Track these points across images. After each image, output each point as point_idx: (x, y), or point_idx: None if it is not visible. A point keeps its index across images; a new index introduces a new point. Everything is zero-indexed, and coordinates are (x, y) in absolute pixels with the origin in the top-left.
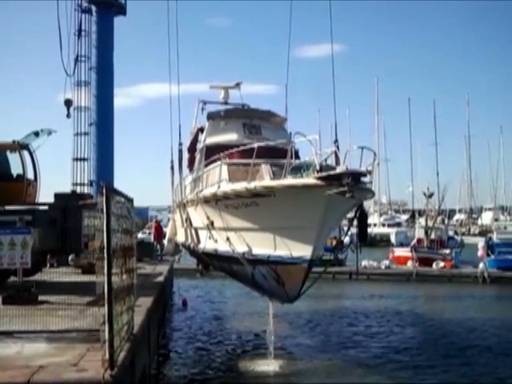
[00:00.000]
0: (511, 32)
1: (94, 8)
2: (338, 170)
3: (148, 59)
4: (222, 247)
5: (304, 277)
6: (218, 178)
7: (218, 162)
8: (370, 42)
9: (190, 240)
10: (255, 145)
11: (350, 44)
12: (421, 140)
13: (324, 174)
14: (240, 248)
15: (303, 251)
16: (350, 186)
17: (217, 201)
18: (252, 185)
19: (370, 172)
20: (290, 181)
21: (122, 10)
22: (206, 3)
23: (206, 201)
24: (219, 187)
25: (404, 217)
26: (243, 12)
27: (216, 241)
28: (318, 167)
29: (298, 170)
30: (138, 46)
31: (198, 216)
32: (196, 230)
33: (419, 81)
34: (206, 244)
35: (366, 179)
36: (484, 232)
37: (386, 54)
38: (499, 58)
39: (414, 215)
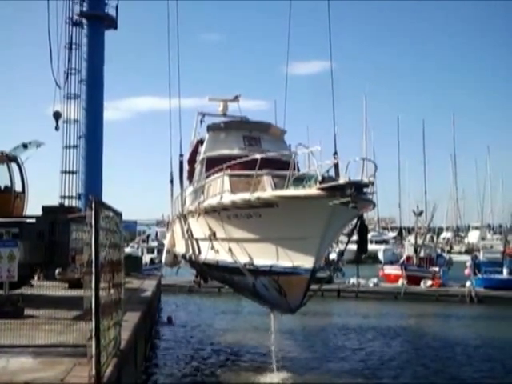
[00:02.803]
0: (499, 51)
1: (84, 21)
2: (341, 180)
3: (139, 73)
4: (224, 258)
5: (306, 287)
6: (220, 190)
7: (220, 174)
8: (359, 58)
9: (190, 251)
10: (257, 156)
11: (339, 61)
12: (409, 157)
13: (327, 184)
14: (242, 258)
15: (305, 261)
16: (353, 197)
17: (219, 211)
18: (255, 195)
19: (372, 183)
20: (293, 191)
21: (113, 24)
22: (196, 18)
23: (208, 211)
24: (222, 198)
25: (391, 234)
26: (234, 28)
27: (217, 251)
28: (320, 178)
29: (300, 181)
30: (129, 59)
31: (199, 227)
32: (197, 240)
33: (409, 97)
34: (208, 255)
35: (367, 190)
36: (470, 250)
37: (376, 70)
38: (489, 77)
39: (401, 232)
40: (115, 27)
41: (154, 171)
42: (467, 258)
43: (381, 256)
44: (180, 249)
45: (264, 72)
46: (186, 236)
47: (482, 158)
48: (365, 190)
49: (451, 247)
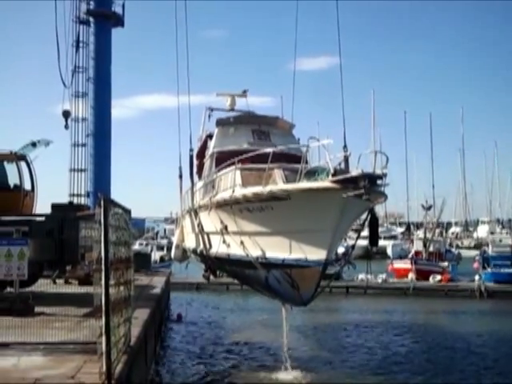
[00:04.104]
0: (506, 46)
1: (91, 20)
2: (355, 172)
3: (145, 70)
4: (236, 251)
5: (318, 279)
6: (232, 183)
7: (231, 168)
8: (366, 53)
9: (201, 245)
10: (269, 150)
11: (344, 56)
12: (416, 152)
13: (341, 176)
14: (254, 252)
15: (318, 254)
16: (367, 189)
17: (231, 205)
18: (268, 188)
19: (385, 175)
20: (306, 184)
21: (119, 22)
22: (202, 14)
23: (220, 205)
24: (233, 191)
25: (400, 229)
26: (238, 25)
27: (229, 245)
28: (332, 171)
29: (311, 175)
30: (135, 56)
31: (210, 221)
32: (208, 234)
33: (416, 92)
34: (219, 248)
35: (380, 182)
36: (479, 245)
37: (382, 65)
38: (495, 71)
39: (409, 228)
40: (122, 25)
41: (161, 168)
42: (476, 253)
43: (389, 251)
44: (190, 243)
45: (270, 68)
46: (197, 230)
47: (490, 152)
48: (378, 181)
49: (455, 244)
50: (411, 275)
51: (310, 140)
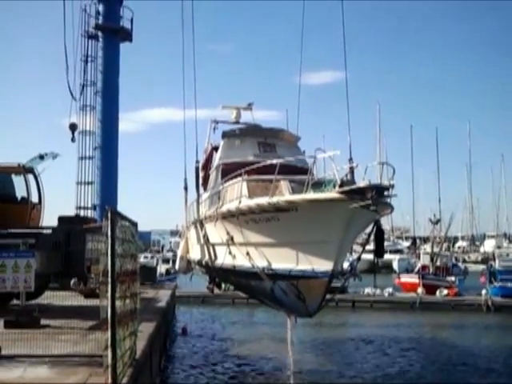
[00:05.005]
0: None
1: (100, 34)
2: (362, 183)
3: (151, 85)
4: (242, 262)
5: (325, 290)
6: (238, 195)
7: (238, 179)
8: (370, 67)
9: (206, 256)
10: (275, 161)
11: (350, 70)
12: (423, 165)
13: (349, 187)
14: (260, 263)
15: (325, 265)
16: (374, 200)
17: (237, 216)
18: (275, 199)
19: (392, 186)
20: (313, 195)
21: (128, 37)
22: (207, 28)
23: (227, 216)
24: (240, 202)
25: (405, 243)
26: (244, 39)
27: (234, 256)
28: (339, 182)
29: (318, 186)
30: (142, 71)
31: (216, 232)
32: (213, 246)
33: (421, 106)
34: (225, 260)
35: (387, 193)
36: (486, 259)
37: (388, 79)
38: (502, 85)
39: (415, 242)
40: (130, 40)
41: (167, 181)
42: (483, 267)
43: (395, 266)
44: (194, 255)
45: (275, 83)
46: (202, 241)
47: (497, 166)
48: (385, 193)
49: (464, 253)
50: (420, 289)
51: (316, 151)
